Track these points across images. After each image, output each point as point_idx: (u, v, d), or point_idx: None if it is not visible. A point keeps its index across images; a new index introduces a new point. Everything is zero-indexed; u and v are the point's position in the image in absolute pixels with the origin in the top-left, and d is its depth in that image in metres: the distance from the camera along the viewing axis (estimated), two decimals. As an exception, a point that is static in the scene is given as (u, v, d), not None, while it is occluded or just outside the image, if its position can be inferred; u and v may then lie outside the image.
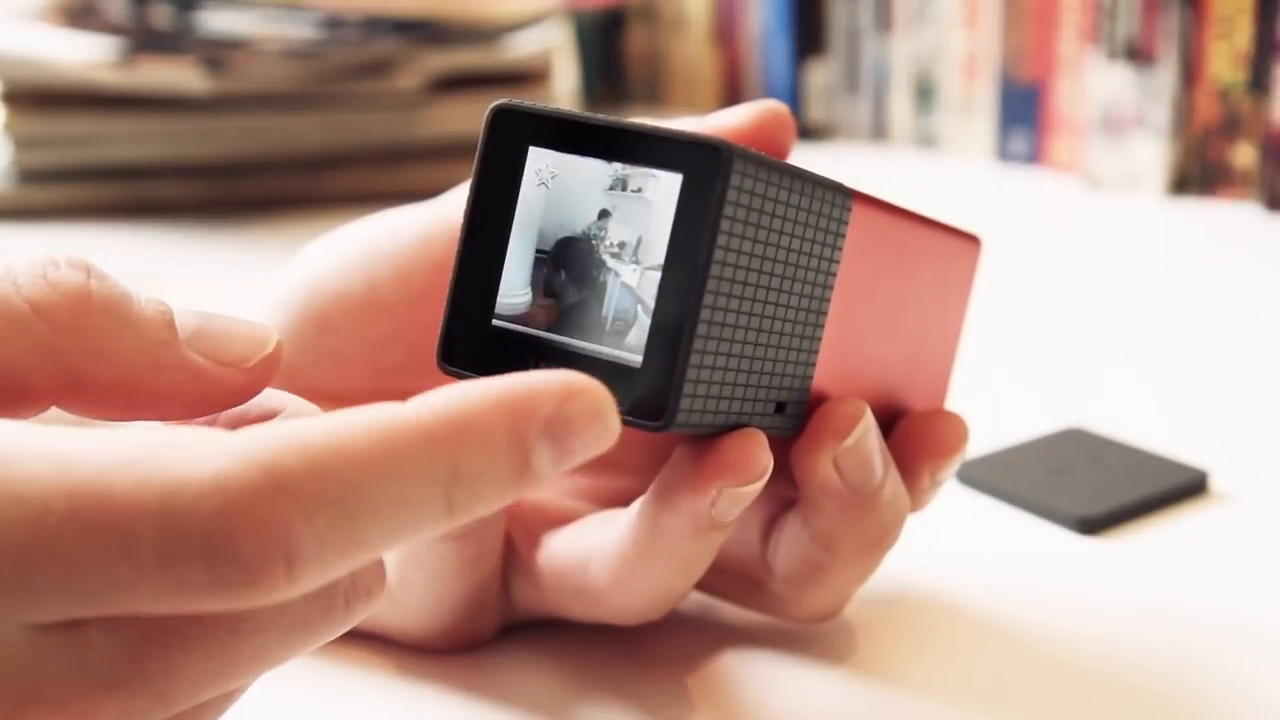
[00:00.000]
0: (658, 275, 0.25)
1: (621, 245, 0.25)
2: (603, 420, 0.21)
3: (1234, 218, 0.74)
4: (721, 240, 0.25)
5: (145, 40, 0.77)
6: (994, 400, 0.50)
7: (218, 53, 0.75)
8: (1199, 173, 0.78)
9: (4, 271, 0.23)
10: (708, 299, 0.25)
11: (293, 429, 0.19)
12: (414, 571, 0.31)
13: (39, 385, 0.23)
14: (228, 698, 0.22)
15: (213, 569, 0.19)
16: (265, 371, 0.25)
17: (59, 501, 0.19)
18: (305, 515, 0.19)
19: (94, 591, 0.19)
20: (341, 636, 0.34)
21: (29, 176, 0.77)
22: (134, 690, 0.19)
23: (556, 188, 0.26)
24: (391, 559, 0.31)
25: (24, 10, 0.82)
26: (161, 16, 0.83)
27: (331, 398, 0.35)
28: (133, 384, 0.23)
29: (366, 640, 0.34)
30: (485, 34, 0.81)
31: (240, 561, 0.18)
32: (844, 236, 0.28)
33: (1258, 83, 0.75)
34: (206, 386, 0.24)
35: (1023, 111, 0.85)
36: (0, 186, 0.77)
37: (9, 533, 0.19)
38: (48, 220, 0.76)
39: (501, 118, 0.27)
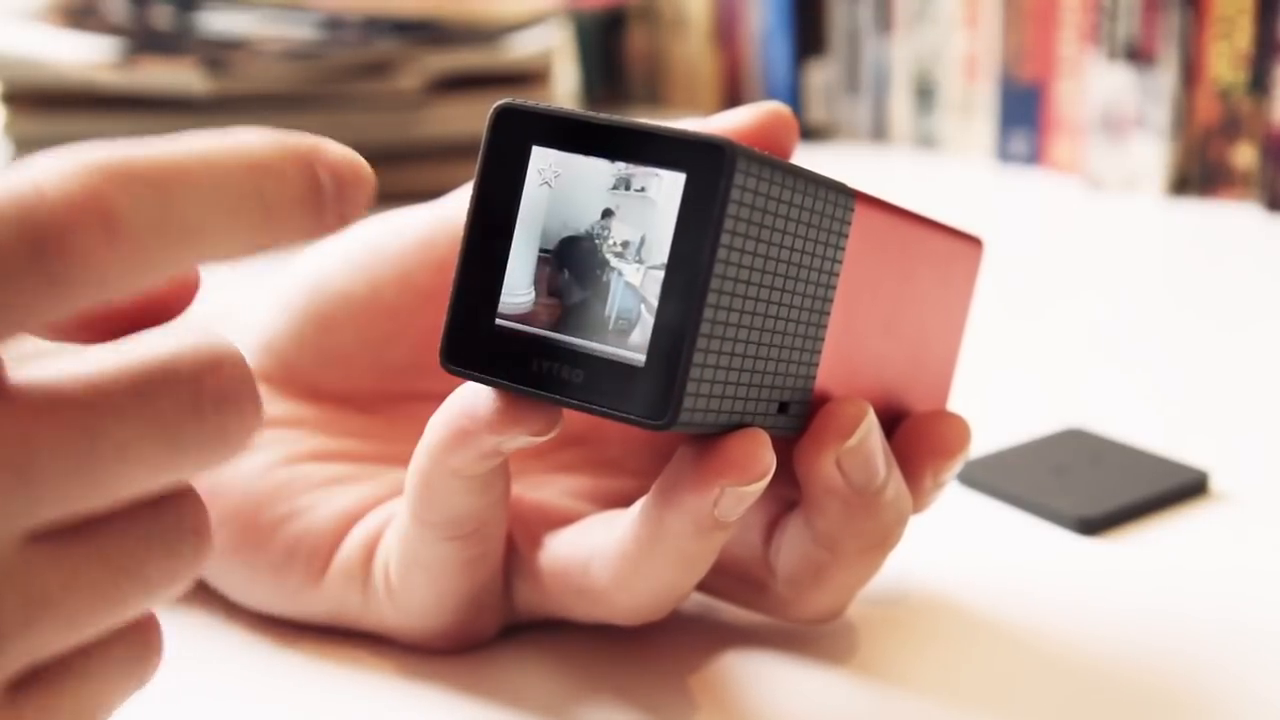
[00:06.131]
0: (661, 274, 0.25)
1: (625, 244, 0.25)
2: (359, 167, 0.22)
3: (1234, 218, 0.74)
4: (725, 239, 0.25)
5: (145, 40, 0.77)
6: (994, 401, 0.50)
7: (218, 53, 0.75)
8: (1199, 173, 0.78)
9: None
10: (711, 298, 0.25)
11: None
12: (415, 571, 0.31)
13: None
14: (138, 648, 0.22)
15: (30, 235, 0.19)
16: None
17: None
18: (120, 185, 0.19)
19: None
20: (342, 637, 0.34)
21: (29, 176, 0.77)
22: None
23: (560, 187, 0.26)
24: (393, 559, 0.31)
25: (24, 10, 0.82)
26: (161, 17, 0.83)
27: (334, 397, 0.35)
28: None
29: (366, 640, 0.34)
30: (485, 34, 0.81)
31: (55, 224, 0.19)
32: (847, 236, 0.28)
33: (1258, 83, 0.75)
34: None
35: (1023, 112, 0.85)
36: (0, 186, 0.77)
37: None
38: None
39: (505, 117, 0.27)
